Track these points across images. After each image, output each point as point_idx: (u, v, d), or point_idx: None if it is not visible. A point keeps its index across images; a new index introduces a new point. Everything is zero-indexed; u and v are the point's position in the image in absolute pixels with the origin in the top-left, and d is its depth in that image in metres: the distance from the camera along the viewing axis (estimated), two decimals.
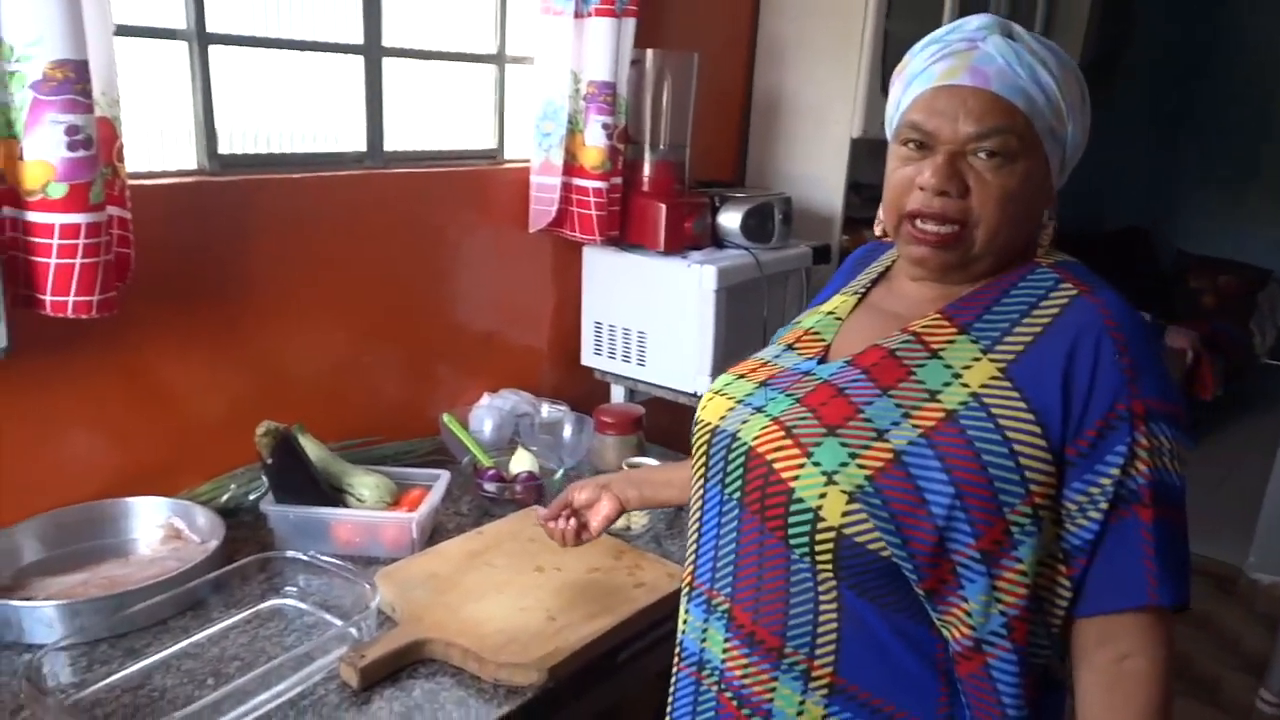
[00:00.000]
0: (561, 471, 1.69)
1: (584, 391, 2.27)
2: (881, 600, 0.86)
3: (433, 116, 1.95)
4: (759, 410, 0.93)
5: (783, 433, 0.89)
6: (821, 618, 0.88)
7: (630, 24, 1.95)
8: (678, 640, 1.02)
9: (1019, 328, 0.87)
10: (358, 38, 1.74)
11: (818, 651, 0.88)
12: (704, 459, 0.97)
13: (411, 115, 1.89)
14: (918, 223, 0.89)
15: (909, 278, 0.97)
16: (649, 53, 2.03)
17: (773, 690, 0.91)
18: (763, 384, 0.96)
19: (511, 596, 1.30)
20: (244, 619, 1.27)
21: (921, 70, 0.90)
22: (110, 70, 1.30)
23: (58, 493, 1.42)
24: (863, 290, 1.03)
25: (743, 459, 0.91)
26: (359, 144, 1.79)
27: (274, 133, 1.67)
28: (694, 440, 1.00)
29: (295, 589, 1.34)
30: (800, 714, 0.90)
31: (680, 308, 2.00)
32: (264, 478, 1.49)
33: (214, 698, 1.06)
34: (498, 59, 2.01)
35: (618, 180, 2.02)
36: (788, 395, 0.93)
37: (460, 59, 1.97)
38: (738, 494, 0.92)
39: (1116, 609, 0.83)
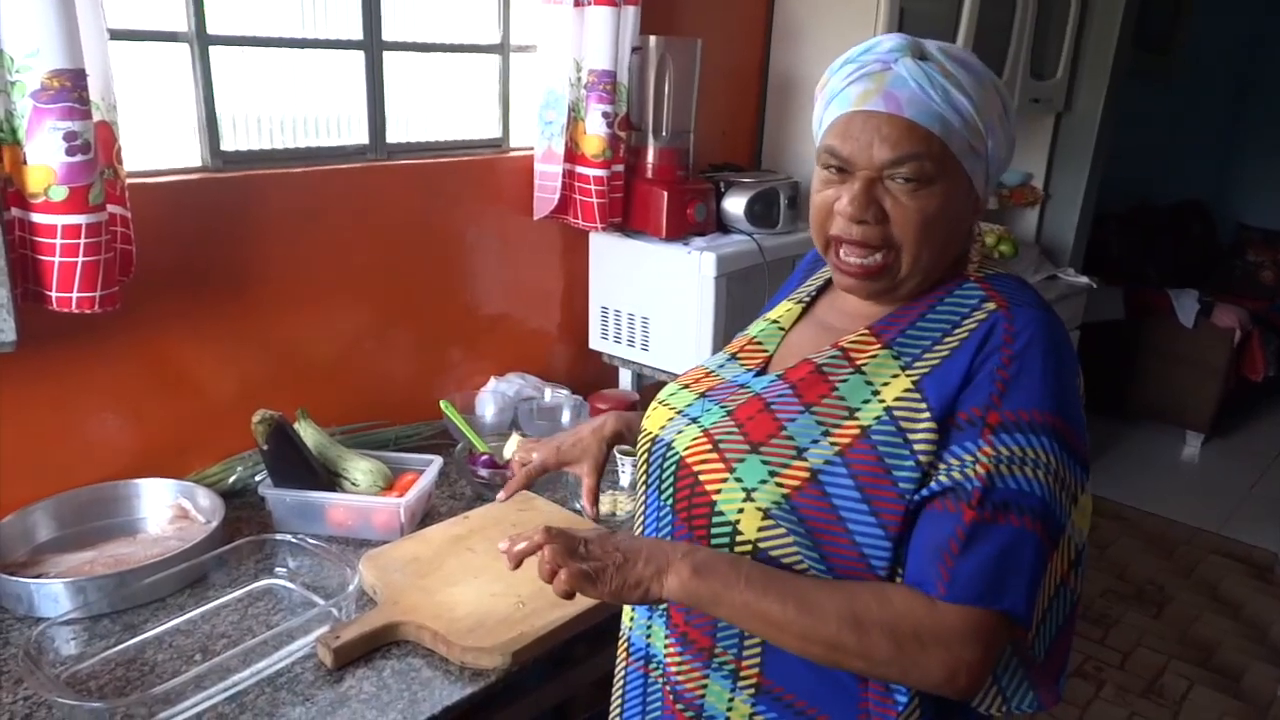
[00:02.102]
0: None
1: (594, 375, 2.31)
2: None
3: (438, 107, 1.99)
4: (694, 421, 0.96)
5: (710, 445, 0.92)
6: None
7: (631, 12, 1.95)
8: (624, 637, 1.07)
9: (939, 345, 0.87)
10: (358, 33, 1.78)
11: (745, 653, 0.92)
12: (645, 465, 1.02)
13: (416, 106, 1.93)
14: (842, 253, 0.91)
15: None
16: (651, 39, 2.04)
17: (704, 687, 0.95)
18: (703, 395, 1.00)
19: (486, 581, 1.35)
20: (236, 598, 1.35)
21: (839, 92, 0.90)
22: (107, 76, 1.36)
23: (73, 474, 1.52)
24: (807, 300, 1.05)
25: (674, 468, 0.95)
26: (361, 136, 1.84)
27: (276, 128, 1.73)
28: (638, 448, 1.04)
29: (286, 570, 1.41)
30: (730, 710, 0.94)
31: (681, 294, 2.02)
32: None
33: (196, 673, 1.13)
34: (501, 49, 2.04)
35: (619, 168, 2.04)
36: (721, 407, 0.96)
37: (462, 50, 2.00)
38: (670, 501, 0.96)
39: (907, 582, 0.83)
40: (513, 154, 2.08)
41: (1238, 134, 5.59)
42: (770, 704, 0.92)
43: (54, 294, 1.35)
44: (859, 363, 0.90)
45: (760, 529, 0.86)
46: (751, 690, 0.92)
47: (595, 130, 1.98)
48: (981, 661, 0.80)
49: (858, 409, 0.87)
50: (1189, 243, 5.14)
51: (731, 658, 0.93)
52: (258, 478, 1.66)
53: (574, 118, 1.99)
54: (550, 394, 2.06)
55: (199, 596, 1.35)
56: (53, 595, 1.28)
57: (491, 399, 1.99)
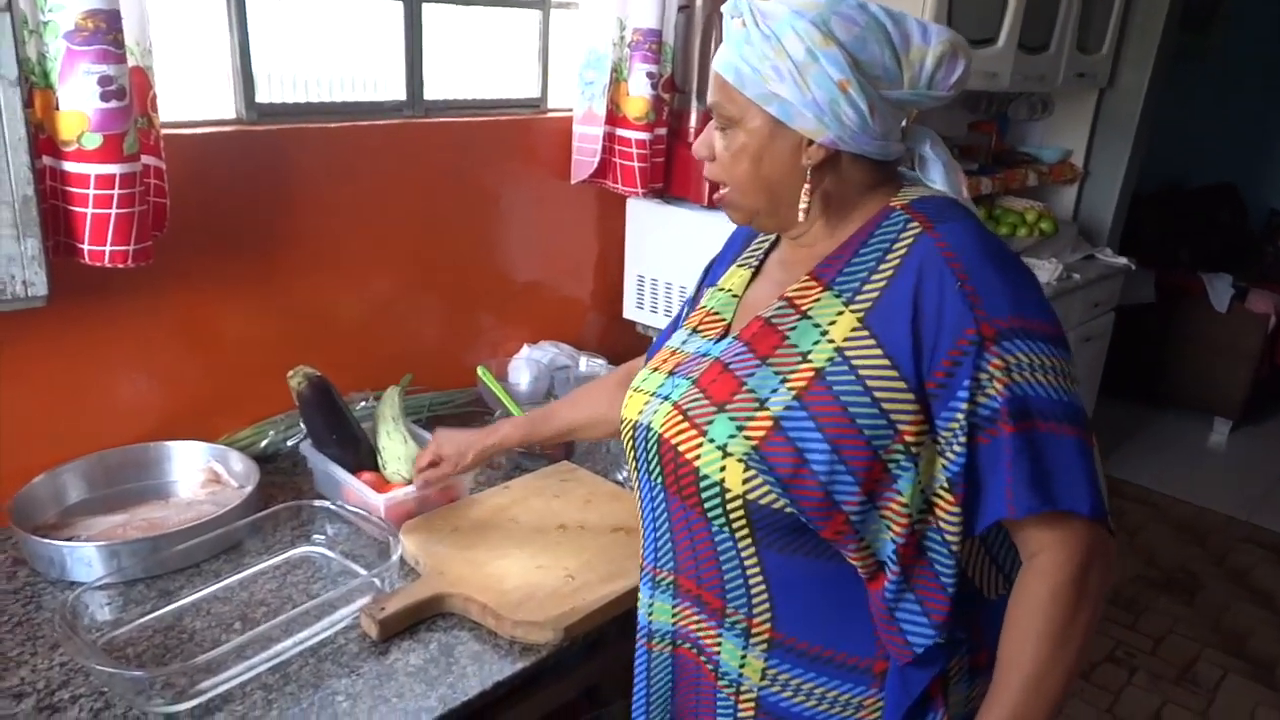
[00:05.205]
0: None
1: (626, 345, 2.26)
2: (801, 551, 0.90)
3: (476, 64, 1.92)
4: (666, 399, 0.97)
5: (680, 416, 0.93)
6: (751, 579, 0.94)
7: None
8: (639, 618, 1.09)
9: (875, 275, 0.88)
10: None
11: (755, 611, 0.95)
12: (632, 452, 1.02)
13: (454, 63, 1.87)
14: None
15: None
16: None
17: (719, 644, 0.99)
18: (671, 374, 1.00)
19: (532, 553, 1.30)
20: (274, 565, 1.31)
21: None
22: (143, 19, 1.30)
23: (103, 435, 1.47)
24: (756, 263, 1.05)
25: (657, 446, 0.96)
26: (398, 92, 1.77)
27: (312, 81, 1.66)
28: (623, 438, 1.04)
29: (324, 537, 1.36)
30: (743, 666, 0.97)
31: None
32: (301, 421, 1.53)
33: (238, 642, 1.09)
34: (542, 4, 1.96)
35: (662, 131, 1.98)
36: (686, 379, 0.97)
37: (502, 4, 1.92)
38: (660, 479, 0.97)
39: (986, 525, 0.84)
40: (551, 115, 2.01)
41: (1272, 118, 5.46)
42: (784, 656, 0.94)
43: (86, 246, 1.29)
44: (804, 308, 0.91)
45: (744, 481, 0.87)
46: (764, 646, 0.95)
47: (638, 91, 1.91)
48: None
49: (809, 351, 0.88)
50: (1218, 227, 5.03)
51: (743, 616, 0.95)
52: (290, 442, 1.61)
53: (616, 78, 1.92)
54: (586, 362, 2.01)
55: (235, 563, 1.30)
56: (85, 559, 1.24)
57: (526, 366, 1.94)
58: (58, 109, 1.24)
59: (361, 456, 1.48)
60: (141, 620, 1.17)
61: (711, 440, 0.89)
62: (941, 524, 0.85)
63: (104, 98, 1.23)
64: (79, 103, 1.23)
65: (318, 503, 1.38)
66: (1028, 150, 3.33)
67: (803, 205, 0.91)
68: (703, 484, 0.90)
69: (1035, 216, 2.97)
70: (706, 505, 0.91)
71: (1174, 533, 3.36)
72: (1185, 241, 4.63)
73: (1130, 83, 3.29)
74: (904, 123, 0.93)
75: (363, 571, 1.27)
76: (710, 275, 1.13)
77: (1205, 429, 4.25)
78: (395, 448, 1.48)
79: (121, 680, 1.02)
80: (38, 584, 1.24)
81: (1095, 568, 0.84)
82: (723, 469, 0.88)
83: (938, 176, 0.95)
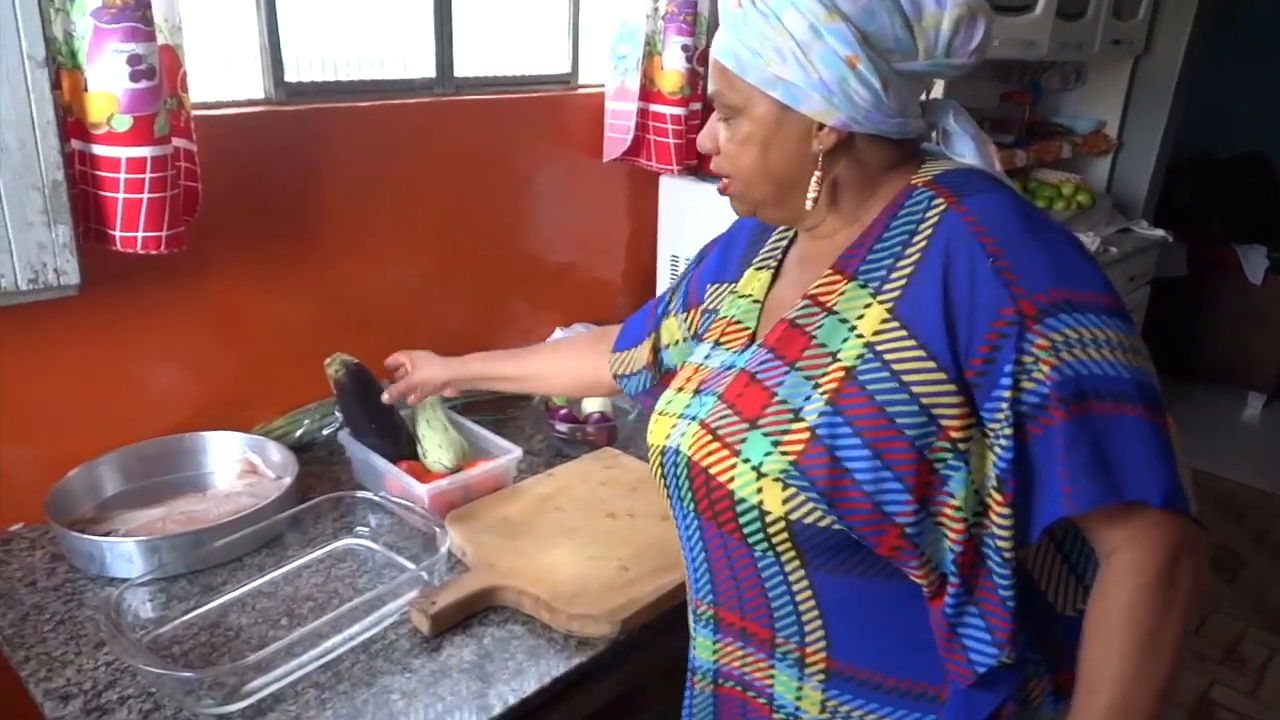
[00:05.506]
0: (636, 412, 1.64)
1: None
2: (856, 571, 0.83)
3: (505, 40, 1.87)
4: (693, 419, 0.90)
5: (709, 436, 0.86)
6: (801, 606, 0.86)
7: None
8: None
9: (902, 260, 0.81)
10: None
11: (808, 639, 0.88)
12: (662, 480, 0.95)
13: (483, 39, 1.81)
14: None
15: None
16: None
17: (772, 676, 0.92)
18: (696, 391, 0.93)
19: (582, 543, 1.26)
20: (317, 558, 1.27)
21: None
22: None
23: (136, 426, 1.44)
24: (775, 263, 0.97)
25: (687, 470, 0.89)
26: (428, 70, 1.72)
27: (341, 59, 1.62)
28: (651, 465, 0.97)
29: (367, 529, 1.33)
30: (799, 699, 0.90)
31: None
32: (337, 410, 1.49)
33: (288, 640, 1.05)
34: None
35: (697, 106, 1.92)
36: (712, 394, 0.90)
37: None
38: (692, 505, 0.90)
39: (1044, 527, 0.76)
40: (582, 91, 1.96)
41: None
42: (843, 686, 0.88)
43: (118, 233, 1.25)
44: (829, 304, 0.84)
45: (785, 501, 0.80)
46: (821, 676, 0.88)
47: (673, 65, 1.85)
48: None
49: (838, 350, 0.81)
50: (1250, 198, 4.93)
51: (794, 645, 0.88)
52: (325, 431, 1.58)
53: (650, 51, 1.87)
54: None
55: (278, 557, 1.27)
56: (126, 555, 1.21)
57: None
58: (86, 90, 1.20)
59: (401, 445, 1.45)
60: (186, 617, 1.14)
61: (746, 460, 0.82)
62: (995, 528, 0.77)
63: (133, 78, 1.19)
64: (108, 83, 1.19)
65: (359, 494, 1.35)
66: (1060, 121, 3.25)
67: (811, 194, 0.85)
68: (739, 508, 0.83)
69: (1072, 189, 2.90)
70: (745, 530, 0.84)
71: (1213, 510, 3.30)
72: (1216, 213, 4.53)
73: (1166, 50, 3.20)
74: (923, 96, 0.86)
75: (409, 564, 1.24)
76: (706, 265, 1.06)
77: (1239, 403, 4.18)
78: (436, 436, 1.44)
79: (171, 681, 0.99)
80: (78, 580, 1.21)
81: (1183, 565, 0.75)
82: (759, 490, 0.81)
83: (967, 151, 0.88)
